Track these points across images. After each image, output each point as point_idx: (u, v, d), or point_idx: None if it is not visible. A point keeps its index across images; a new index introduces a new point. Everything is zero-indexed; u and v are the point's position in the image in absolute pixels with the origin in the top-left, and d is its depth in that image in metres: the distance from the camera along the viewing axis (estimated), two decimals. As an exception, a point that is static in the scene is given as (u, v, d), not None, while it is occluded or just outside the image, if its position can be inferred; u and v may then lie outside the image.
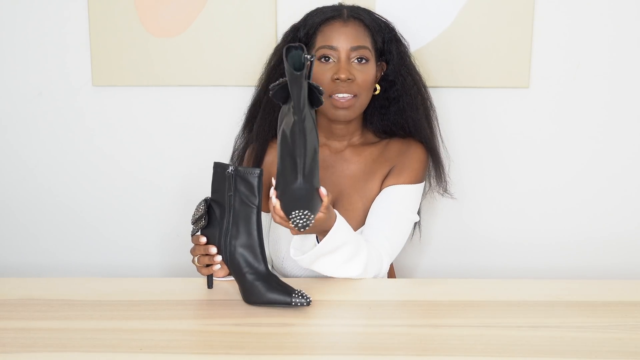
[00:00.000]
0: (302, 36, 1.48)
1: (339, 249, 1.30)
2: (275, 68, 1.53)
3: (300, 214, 1.13)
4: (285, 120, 1.14)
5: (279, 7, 1.69)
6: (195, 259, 1.30)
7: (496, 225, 1.81)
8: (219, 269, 1.29)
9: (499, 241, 1.82)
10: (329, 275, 1.34)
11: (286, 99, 1.16)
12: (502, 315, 1.21)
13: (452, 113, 1.72)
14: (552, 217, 1.80)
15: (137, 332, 1.13)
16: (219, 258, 1.27)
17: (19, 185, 1.82)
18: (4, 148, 1.80)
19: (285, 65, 1.09)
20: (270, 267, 1.54)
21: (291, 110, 1.11)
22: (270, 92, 1.15)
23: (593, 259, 1.81)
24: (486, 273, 1.82)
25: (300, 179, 1.13)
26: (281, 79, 1.13)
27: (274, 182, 1.19)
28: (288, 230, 1.49)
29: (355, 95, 1.43)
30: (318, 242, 1.29)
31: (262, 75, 1.57)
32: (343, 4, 1.54)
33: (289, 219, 1.15)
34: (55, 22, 1.72)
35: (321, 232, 1.28)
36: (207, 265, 1.29)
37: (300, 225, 1.13)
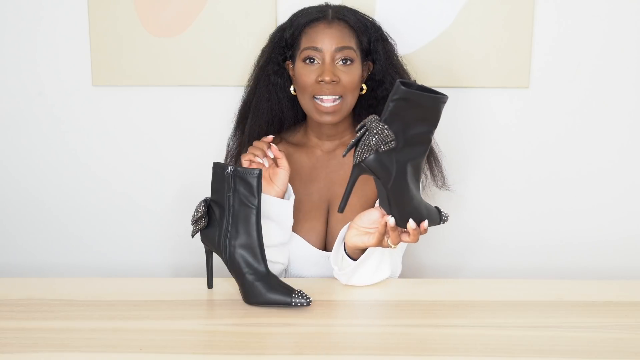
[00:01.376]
0: (288, 37, 1.48)
1: (369, 258, 1.33)
2: (262, 69, 1.53)
3: (444, 212, 1.27)
4: (410, 146, 1.18)
5: (278, 7, 1.69)
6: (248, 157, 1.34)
7: (496, 226, 1.81)
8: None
9: (498, 241, 1.82)
10: (364, 284, 1.36)
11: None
12: (502, 315, 1.21)
13: (452, 113, 1.72)
14: (551, 217, 1.80)
15: (137, 332, 1.14)
16: (272, 154, 1.34)
17: (19, 184, 1.82)
18: (4, 147, 1.80)
19: (428, 97, 1.15)
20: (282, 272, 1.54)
21: (430, 138, 1.19)
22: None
23: (593, 259, 1.81)
24: (486, 273, 1.82)
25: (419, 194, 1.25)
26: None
27: (390, 220, 1.22)
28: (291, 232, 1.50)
29: (340, 97, 1.42)
30: (347, 255, 1.34)
31: (250, 76, 1.57)
32: (329, 3, 1.53)
33: (441, 221, 1.26)
34: (55, 22, 1.72)
35: (352, 248, 1.32)
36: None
37: (447, 218, 1.27)
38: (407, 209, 1.21)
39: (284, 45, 1.49)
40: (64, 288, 1.33)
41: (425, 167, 1.56)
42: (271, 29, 1.68)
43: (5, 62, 1.75)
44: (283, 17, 1.68)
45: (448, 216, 1.27)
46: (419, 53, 1.67)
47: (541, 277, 1.76)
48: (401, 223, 1.22)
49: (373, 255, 1.33)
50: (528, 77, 1.70)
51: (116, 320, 1.18)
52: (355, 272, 1.34)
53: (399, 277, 1.50)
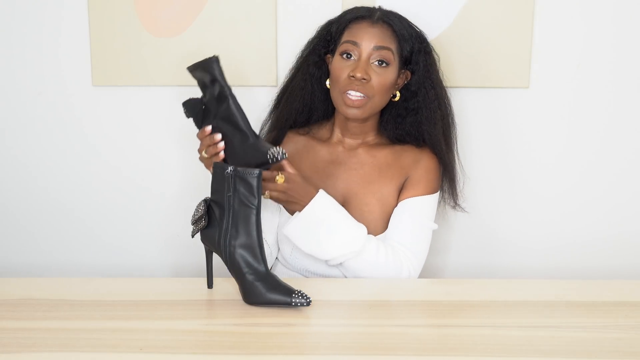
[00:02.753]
0: (334, 31, 1.49)
1: (326, 219, 1.38)
2: (305, 59, 1.54)
3: (275, 149, 1.27)
4: (220, 108, 1.32)
5: (278, 7, 1.69)
6: (203, 152, 1.34)
7: (496, 226, 1.81)
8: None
9: (499, 241, 1.82)
10: (325, 252, 1.39)
11: (199, 105, 1.37)
12: (502, 315, 1.21)
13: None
14: (551, 218, 1.80)
15: (137, 332, 1.14)
16: (222, 144, 1.32)
17: (18, 185, 1.82)
18: (4, 148, 1.80)
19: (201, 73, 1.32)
20: (273, 258, 1.54)
21: (225, 94, 1.30)
22: (185, 110, 1.37)
23: (593, 259, 1.81)
24: (486, 273, 1.82)
25: (253, 137, 1.30)
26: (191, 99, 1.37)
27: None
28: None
29: (368, 97, 1.43)
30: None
31: (294, 64, 1.58)
32: (382, 7, 1.52)
33: (269, 157, 1.26)
34: (55, 22, 1.72)
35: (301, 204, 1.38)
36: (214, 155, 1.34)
37: (281, 154, 1.25)
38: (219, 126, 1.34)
39: (329, 38, 1.51)
40: (64, 288, 1.33)
41: (444, 186, 1.57)
42: (271, 28, 1.69)
43: (5, 62, 1.75)
44: (283, 17, 1.68)
45: (277, 153, 1.26)
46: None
47: (541, 277, 1.76)
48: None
49: (331, 219, 1.39)
50: (528, 77, 1.70)
51: (116, 320, 1.18)
52: (309, 230, 1.38)
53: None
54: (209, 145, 1.33)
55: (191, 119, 1.39)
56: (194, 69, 1.34)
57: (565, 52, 1.70)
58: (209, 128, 1.34)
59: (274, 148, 1.26)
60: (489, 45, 1.68)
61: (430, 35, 1.67)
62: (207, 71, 1.31)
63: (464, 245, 1.83)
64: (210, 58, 1.30)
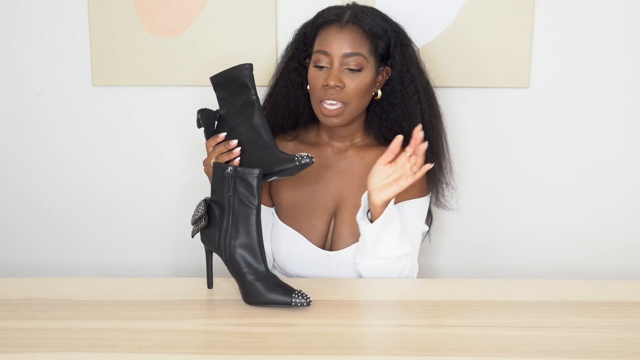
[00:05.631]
0: (308, 35, 1.48)
1: (394, 219, 1.37)
2: (285, 65, 1.53)
3: (300, 155, 1.29)
4: (242, 116, 1.33)
5: (279, 7, 1.69)
6: (212, 161, 1.32)
7: (495, 225, 1.81)
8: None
9: (498, 241, 1.82)
10: (384, 258, 1.39)
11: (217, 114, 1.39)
12: (502, 315, 1.21)
13: (451, 113, 1.72)
14: (551, 217, 1.80)
15: (137, 332, 1.14)
16: (237, 150, 1.32)
17: (19, 184, 1.82)
18: (4, 147, 1.80)
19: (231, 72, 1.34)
20: (271, 267, 1.54)
21: (253, 101, 1.32)
22: (200, 119, 1.37)
23: (593, 259, 1.81)
24: (487, 273, 1.82)
25: (274, 146, 1.32)
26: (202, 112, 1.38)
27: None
28: (290, 228, 1.49)
29: (344, 104, 1.42)
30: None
31: (276, 68, 1.57)
32: (355, 2, 1.51)
33: (296, 160, 1.28)
34: (56, 22, 1.72)
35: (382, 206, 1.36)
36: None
37: (308, 158, 1.27)
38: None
39: (307, 42, 1.49)
40: (64, 288, 1.33)
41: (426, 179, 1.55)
42: (271, 28, 1.69)
43: (5, 62, 1.75)
44: (283, 17, 1.68)
45: (303, 158, 1.27)
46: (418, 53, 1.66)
47: (541, 277, 1.76)
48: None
49: (394, 219, 1.36)
50: (528, 77, 1.70)
51: (116, 320, 1.18)
52: (384, 229, 1.36)
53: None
54: (222, 153, 1.32)
55: (201, 130, 1.38)
56: (220, 77, 1.35)
57: (565, 52, 1.70)
58: (223, 134, 1.34)
59: (299, 155, 1.28)
60: (489, 45, 1.68)
61: (430, 35, 1.68)
62: (237, 77, 1.32)
63: (466, 245, 1.83)
64: (244, 64, 1.31)
